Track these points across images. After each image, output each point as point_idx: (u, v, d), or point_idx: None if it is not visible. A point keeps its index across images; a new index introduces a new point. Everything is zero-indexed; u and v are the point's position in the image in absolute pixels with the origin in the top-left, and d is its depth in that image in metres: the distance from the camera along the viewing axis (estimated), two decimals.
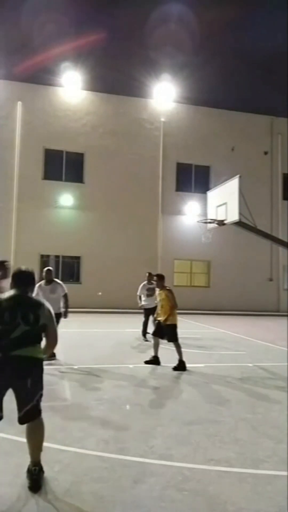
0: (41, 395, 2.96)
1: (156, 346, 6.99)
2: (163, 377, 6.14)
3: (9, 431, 3.55)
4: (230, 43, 37.40)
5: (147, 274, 10.09)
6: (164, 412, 4.50)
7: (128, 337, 10.06)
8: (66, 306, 7.03)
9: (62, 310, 7.01)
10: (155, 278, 7.38)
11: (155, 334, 7.03)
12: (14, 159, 18.66)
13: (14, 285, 3.14)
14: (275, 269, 21.45)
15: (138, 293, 9.92)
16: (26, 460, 3.17)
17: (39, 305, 3.05)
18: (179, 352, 6.71)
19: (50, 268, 7.34)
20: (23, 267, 3.24)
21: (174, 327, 6.78)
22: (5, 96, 18.76)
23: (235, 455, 3.42)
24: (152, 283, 9.64)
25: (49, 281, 7.13)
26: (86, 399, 4.86)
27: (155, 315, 7.56)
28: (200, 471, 3.13)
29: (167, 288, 6.94)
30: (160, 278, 7.12)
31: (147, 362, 6.94)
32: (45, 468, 2.97)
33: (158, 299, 7.20)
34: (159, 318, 6.96)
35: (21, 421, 2.90)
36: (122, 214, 19.41)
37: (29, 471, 2.89)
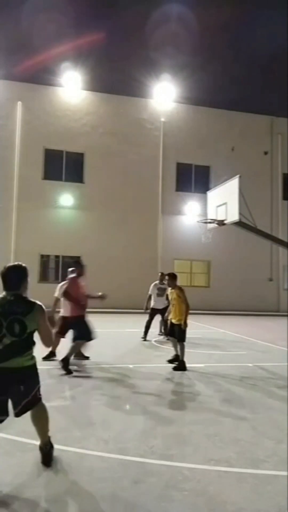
0: (39, 387, 3.04)
1: (175, 346, 6.94)
2: (163, 377, 6.14)
3: (9, 431, 3.55)
4: (230, 43, 37.40)
5: (159, 273, 10.15)
6: (164, 412, 4.50)
7: (128, 337, 10.06)
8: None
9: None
10: (167, 278, 7.36)
11: (170, 334, 7.01)
12: (14, 159, 18.66)
13: (4, 287, 2.98)
14: (275, 269, 21.45)
15: (149, 292, 9.90)
16: (26, 460, 3.19)
17: (28, 308, 2.93)
18: (182, 353, 6.70)
19: (74, 268, 7.36)
20: (10, 264, 3.07)
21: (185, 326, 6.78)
22: (5, 96, 18.76)
23: (235, 455, 3.42)
24: (163, 283, 9.68)
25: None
26: (86, 399, 4.86)
27: (166, 315, 7.57)
28: (200, 471, 3.13)
29: (179, 287, 6.93)
30: (172, 277, 7.08)
31: (170, 361, 6.93)
32: (43, 470, 2.99)
33: (170, 298, 7.21)
34: (170, 317, 6.98)
35: (17, 415, 2.95)
36: (122, 214, 19.42)
37: (40, 448, 3.16)
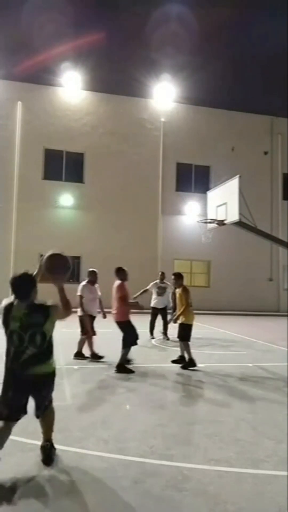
0: (51, 396, 3.26)
1: (185, 347, 6.90)
2: (163, 377, 6.14)
3: None
4: (230, 43, 37.40)
5: (159, 273, 10.20)
6: (164, 412, 4.50)
7: None
8: (102, 307, 7.35)
9: (98, 311, 7.35)
10: (173, 277, 7.41)
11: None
12: (14, 159, 18.66)
13: (15, 296, 3.06)
14: (275, 269, 21.44)
15: (148, 287, 9.92)
16: (26, 460, 3.19)
17: (45, 316, 3.03)
18: (188, 352, 6.69)
19: (95, 270, 7.48)
20: (18, 273, 3.08)
21: (185, 326, 6.79)
22: (5, 96, 18.76)
23: (235, 455, 3.42)
24: (164, 282, 9.74)
25: (93, 282, 7.35)
26: (86, 399, 4.86)
27: (172, 317, 7.62)
28: (200, 471, 3.13)
29: (183, 287, 6.93)
30: (177, 276, 7.11)
31: (174, 361, 6.86)
32: (43, 469, 3.00)
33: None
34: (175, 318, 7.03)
35: (38, 417, 3.18)
36: (122, 214, 19.41)
37: (42, 447, 3.23)
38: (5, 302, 3.07)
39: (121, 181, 19.60)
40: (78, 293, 7.09)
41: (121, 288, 6.55)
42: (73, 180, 19.40)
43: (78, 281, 18.88)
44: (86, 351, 7.20)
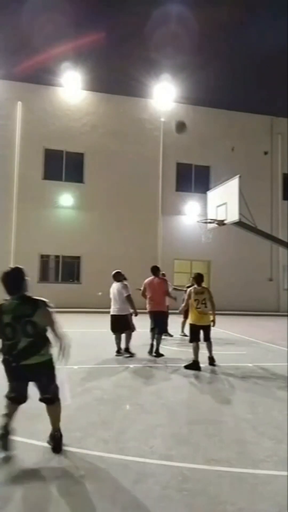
0: (56, 386, 3.39)
1: (193, 350, 6.78)
2: (163, 377, 6.14)
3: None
4: (231, 43, 37.41)
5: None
6: (164, 412, 4.50)
7: None
8: (133, 306, 7.56)
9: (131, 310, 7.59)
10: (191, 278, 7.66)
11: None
12: (14, 159, 18.66)
13: (7, 291, 3.20)
14: (275, 269, 21.44)
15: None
16: (26, 460, 3.18)
17: (35, 308, 3.15)
18: (194, 353, 6.67)
19: (120, 271, 7.95)
20: (7, 269, 3.24)
21: (189, 326, 6.92)
22: (5, 96, 18.76)
23: (235, 455, 3.42)
24: None
25: (120, 281, 7.76)
26: (86, 399, 4.86)
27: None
28: (200, 471, 3.13)
29: (191, 288, 7.10)
30: (194, 278, 7.17)
31: (185, 366, 6.71)
32: (44, 469, 3.00)
33: None
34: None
35: (44, 400, 3.35)
36: (122, 214, 19.41)
37: (51, 436, 3.38)
38: None
39: (121, 181, 19.60)
40: (126, 294, 7.44)
41: (164, 283, 7.57)
42: (73, 180, 19.41)
43: (78, 281, 19.09)
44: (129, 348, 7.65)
